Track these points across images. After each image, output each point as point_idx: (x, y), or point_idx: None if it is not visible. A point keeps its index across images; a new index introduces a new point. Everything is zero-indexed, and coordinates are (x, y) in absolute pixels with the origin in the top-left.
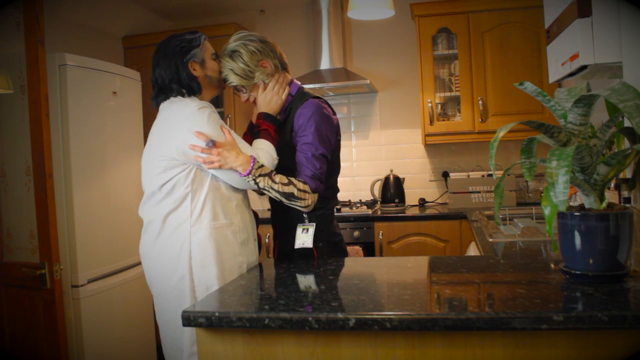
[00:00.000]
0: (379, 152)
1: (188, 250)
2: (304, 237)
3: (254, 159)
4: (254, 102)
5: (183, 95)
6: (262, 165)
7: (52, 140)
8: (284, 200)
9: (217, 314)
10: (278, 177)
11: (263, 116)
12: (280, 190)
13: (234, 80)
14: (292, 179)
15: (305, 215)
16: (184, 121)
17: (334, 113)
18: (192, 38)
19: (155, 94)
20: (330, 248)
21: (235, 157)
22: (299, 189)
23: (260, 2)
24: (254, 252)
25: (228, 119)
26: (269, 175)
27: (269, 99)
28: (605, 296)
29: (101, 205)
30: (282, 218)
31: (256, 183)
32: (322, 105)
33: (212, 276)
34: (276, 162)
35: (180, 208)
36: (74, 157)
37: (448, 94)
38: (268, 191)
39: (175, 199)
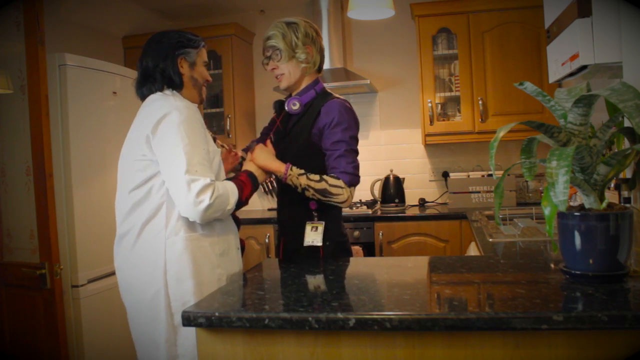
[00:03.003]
0: (379, 152)
1: (163, 263)
2: (313, 235)
3: (289, 165)
4: (279, 78)
5: (162, 89)
6: (296, 168)
7: (52, 140)
8: (321, 197)
9: (217, 314)
10: (312, 175)
11: (247, 174)
12: (315, 187)
13: (277, 42)
14: (324, 176)
15: (314, 214)
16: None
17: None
18: (192, 38)
19: (139, 81)
20: (336, 248)
21: (273, 162)
22: (330, 184)
23: (260, 2)
24: (235, 262)
25: (228, 119)
26: (305, 174)
27: (265, 156)
28: (605, 296)
29: (101, 205)
30: (289, 215)
31: (296, 186)
32: (348, 105)
33: (188, 291)
34: (229, 208)
35: (155, 218)
36: (74, 157)
37: (448, 94)
38: (307, 190)
39: (150, 207)
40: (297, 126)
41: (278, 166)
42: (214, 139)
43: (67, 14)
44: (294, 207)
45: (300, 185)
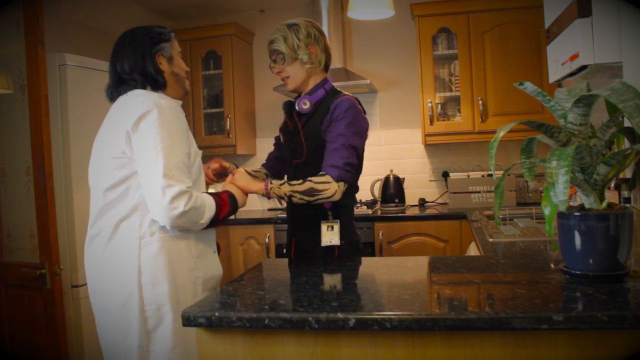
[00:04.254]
0: (379, 152)
1: (137, 264)
2: (330, 235)
3: (267, 181)
4: (286, 81)
5: (145, 88)
6: (276, 180)
7: (52, 140)
8: (309, 199)
9: (217, 314)
10: (293, 181)
11: (228, 194)
12: (300, 189)
13: (279, 45)
14: (310, 177)
15: (329, 213)
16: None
17: (365, 113)
18: (162, 32)
19: (113, 84)
20: (350, 247)
21: (252, 183)
22: (316, 182)
23: (260, 2)
24: (214, 265)
25: (228, 119)
26: (285, 182)
27: (245, 178)
28: (605, 296)
29: None
30: (301, 214)
31: (281, 197)
32: (356, 102)
33: (163, 294)
34: (202, 222)
35: (130, 218)
36: (74, 157)
37: (448, 94)
38: (293, 196)
39: (126, 207)
40: (309, 124)
41: (258, 186)
42: (236, 166)
43: (67, 14)
44: (307, 205)
45: (285, 194)
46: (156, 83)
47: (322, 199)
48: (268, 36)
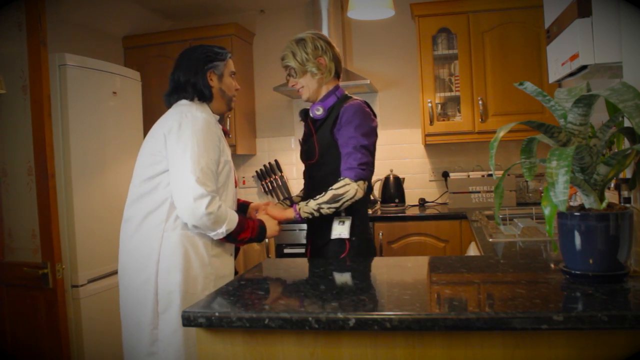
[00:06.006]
0: (379, 152)
1: (157, 253)
2: (341, 229)
3: (295, 205)
4: (300, 91)
5: (193, 99)
6: (302, 202)
7: (52, 140)
8: (336, 205)
9: (217, 314)
10: (317, 196)
11: (259, 223)
12: (324, 200)
13: (289, 61)
14: (329, 188)
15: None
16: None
17: (375, 115)
18: (219, 52)
19: (170, 92)
20: (363, 244)
21: (283, 211)
22: (336, 188)
23: (260, 2)
24: (227, 266)
25: (228, 119)
26: (312, 198)
27: (278, 209)
28: (605, 296)
29: (101, 205)
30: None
31: (311, 213)
32: (364, 105)
33: (175, 282)
34: (220, 231)
35: (157, 211)
36: (74, 157)
37: (448, 94)
38: (322, 208)
39: (155, 200)
40: (322, 129)
41: (289, 211)
42: (289, 200)
43: (67, 14)
44: None
45: (313, 209)
46: (203, 95)
47: (347, 200)
48: (268, 36)
